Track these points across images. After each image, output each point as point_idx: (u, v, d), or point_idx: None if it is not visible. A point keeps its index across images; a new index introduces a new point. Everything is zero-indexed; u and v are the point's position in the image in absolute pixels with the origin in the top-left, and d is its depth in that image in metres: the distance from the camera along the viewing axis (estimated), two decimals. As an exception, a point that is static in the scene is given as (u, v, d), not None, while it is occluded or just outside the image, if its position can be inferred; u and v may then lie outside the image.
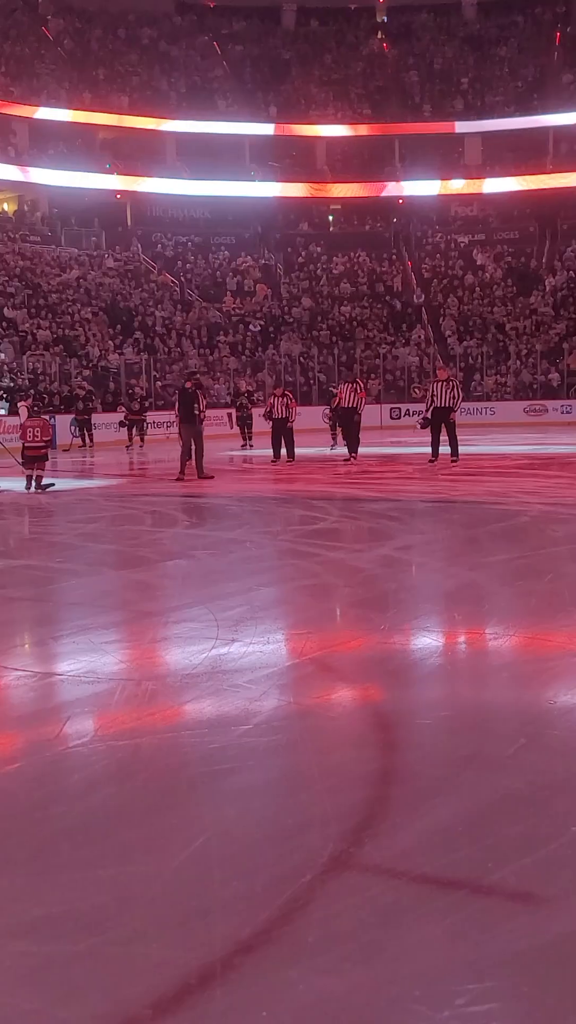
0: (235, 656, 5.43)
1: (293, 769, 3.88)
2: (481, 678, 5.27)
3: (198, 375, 21.77)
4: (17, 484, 15.74)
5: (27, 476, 15.42)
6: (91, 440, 26.86)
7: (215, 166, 47.24)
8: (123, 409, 27.92)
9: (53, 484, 15.51)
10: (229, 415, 29.29)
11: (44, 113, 45.23)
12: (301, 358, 39.34)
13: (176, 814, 3.49)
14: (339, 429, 21.75)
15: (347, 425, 20.01)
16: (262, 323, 41.95)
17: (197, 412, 16.88)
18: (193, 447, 16.83)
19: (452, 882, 2.93)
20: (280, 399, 20.14)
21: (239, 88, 51.22)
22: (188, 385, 17.43)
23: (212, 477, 16.63)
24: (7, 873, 3.08)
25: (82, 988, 2.48)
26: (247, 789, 3.69)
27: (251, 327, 41.56)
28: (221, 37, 53.44)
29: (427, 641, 6.00)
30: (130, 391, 29.37)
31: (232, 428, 26.65)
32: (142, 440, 27.19)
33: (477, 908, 2.77)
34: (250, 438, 25.46)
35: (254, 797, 3.63)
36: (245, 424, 25.83)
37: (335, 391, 20.96)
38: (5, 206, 47.02)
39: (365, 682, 5.10)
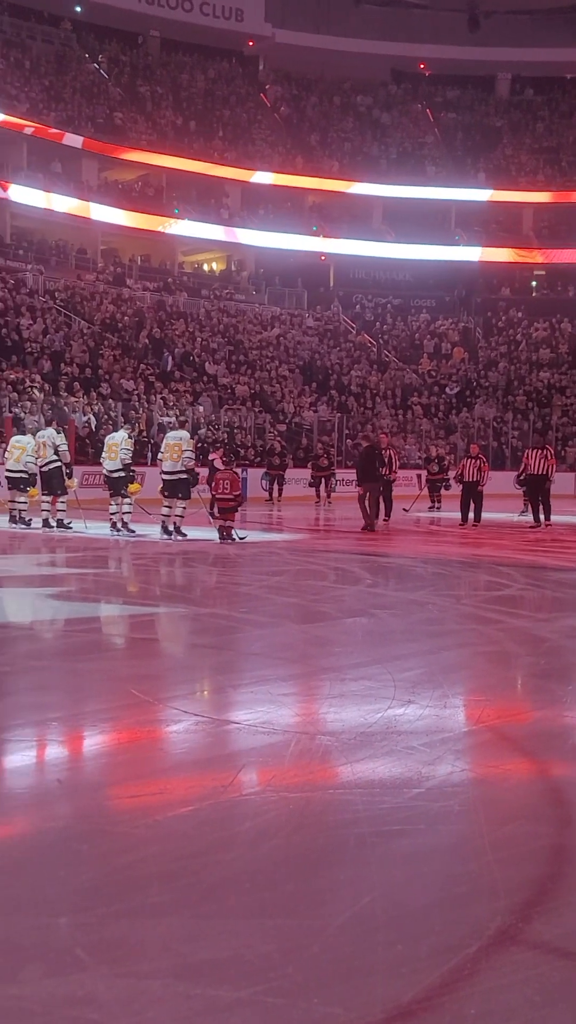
0: (411, 718, 5.40)
1: (464, 837, 3.83)
2: None
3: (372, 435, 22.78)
4: (210, 535, 16.12)
5: (218, 527, 15.74)
6: (280, 494, 27.26)
7: (420, 230, 47.70)
8: (311, 467, 28.24)
9: (245, 536, 15.80)
10: (419, 476, 29.24)
11: (258, 177, 46.80)
12: (495, 422, 39.01)
13: (343, 871, 3.49)
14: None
15: (537, 492, 19.74)
16: (458, 386, 41.86)
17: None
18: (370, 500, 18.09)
19: (624, 970, 2.83)
20: (473, 462, 20.00)
21: (449, 154, 51.70)
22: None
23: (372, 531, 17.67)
24: (176, 914, 3.13)
25: (241, 1034, 2.50)
26: (416, 853, 3.66)
27: (447, 390, 41.52)
28: (434, 104, 54.17)
29: (610, 719, 5.82)
30: (319, 447, 29.71)
31: (421, 489, 26.53)
32: (329, 497, 27.40)
33: None
34: (439, 501, 25.25)
35: (423, 861, 3.59)
36: (436, 487, 25.59)
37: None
38: (214, 265, 48.68)
39: (543, 755, 4.98)
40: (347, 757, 4.76)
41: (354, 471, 20.46)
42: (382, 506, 19.82)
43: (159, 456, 16.71)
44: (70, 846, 3.69)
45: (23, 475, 17.46)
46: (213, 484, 16.47)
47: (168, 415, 29.44)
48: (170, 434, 16.92)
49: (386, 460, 20.14)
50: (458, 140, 52.84)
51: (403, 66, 53.89)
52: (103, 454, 16.72)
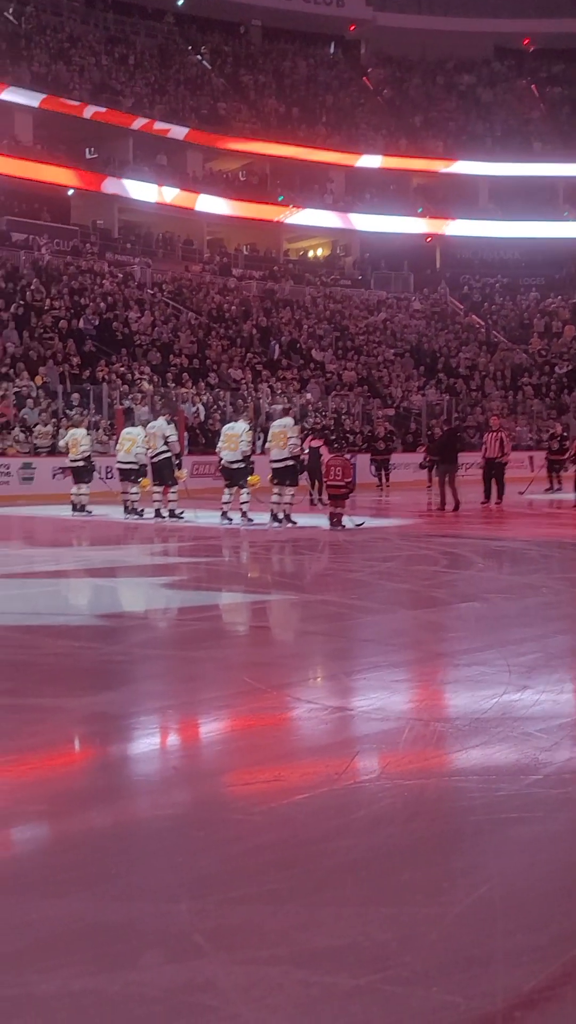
0: (527, 703, 5.33)
1: (583, 825, 3.76)
2: None
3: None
4: (319, 521, 16.12)
5: (328, 514, 15.72)
6: (388, 480, 27.09)
7: (527, 207, 47.00)
8: (424, 450, 28.02)
9: (363, 523, 15.73)
10: (530, 458, 28.83)
11: (364, 161, 46.58)
12: (609, 401, 38.21)
13: (460, 859, 3.46)
14: None
15: None
16: (569, 365, 41.09)
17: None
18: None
19: None
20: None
21: (555, 130, 50.74)
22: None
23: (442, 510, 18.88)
24: (293, 902, 3.13)
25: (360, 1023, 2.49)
26: (534, 840, 3.60)
27: (557, 369, 40.79)
28: (539, 80, 53.21)
29: None
30: (430, 432, 29.47)
31: (534, 471, 26.11)
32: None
33: None
34: (559, 482, 24.73)
35: (541, 849, 3.54)
36: (554, 468, 25.00)
37: None
38: (319, 251, 48.63)
39: None
40: (462, 744, 4.72)
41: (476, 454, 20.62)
42: (494, 488, 19.78)
43: (266, 445, 16.73)
44: (187, 833, 3.73)
45: (133, 466, 17.65)
46: (324, 471, 16.42)
47: (277, 403, 29.54)
48: (275, 422, 16.96)
49: (498, 442, 19.99)
50: (564, 115, 51.82)
51: (506, 42, 53.05)
52: (220, 444, 16.61)
